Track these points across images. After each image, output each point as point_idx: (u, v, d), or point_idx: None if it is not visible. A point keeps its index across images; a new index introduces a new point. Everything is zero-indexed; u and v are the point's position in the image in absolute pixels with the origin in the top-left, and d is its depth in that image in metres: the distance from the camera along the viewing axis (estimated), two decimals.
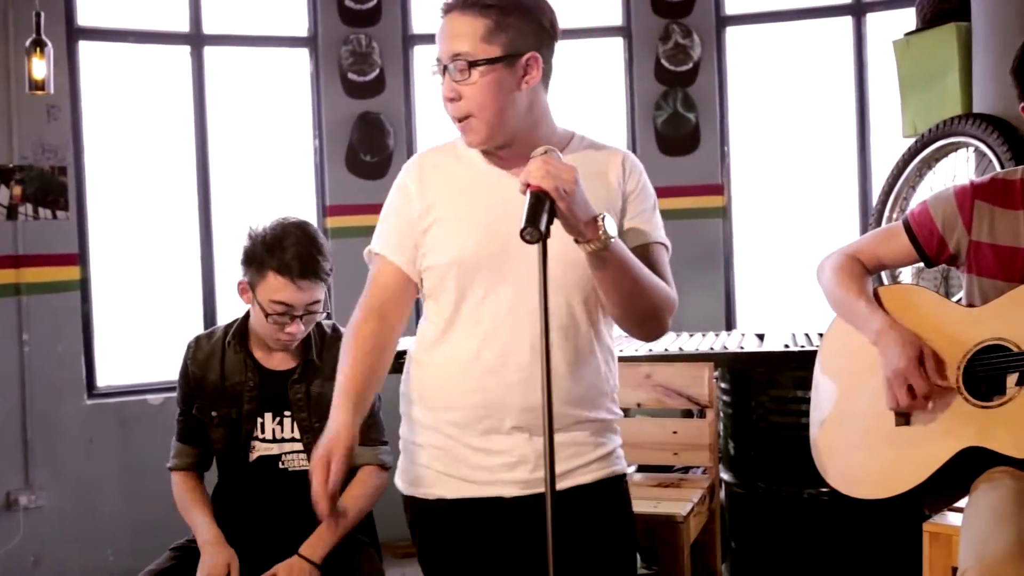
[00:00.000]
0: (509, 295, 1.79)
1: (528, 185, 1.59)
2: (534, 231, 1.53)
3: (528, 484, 1.80)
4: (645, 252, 1.84)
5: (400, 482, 1.94)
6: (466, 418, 1.82)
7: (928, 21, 4.10)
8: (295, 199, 4.86)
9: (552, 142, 1.80)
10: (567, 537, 1.76)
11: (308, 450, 2.45)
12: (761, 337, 3.52)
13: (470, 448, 1.82)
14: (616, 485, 1.91)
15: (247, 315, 2.49)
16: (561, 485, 1.77)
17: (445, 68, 1.76)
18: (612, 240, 1.65)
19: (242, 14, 4.82)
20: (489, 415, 1.80)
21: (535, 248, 1.64)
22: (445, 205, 1.83)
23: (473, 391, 1.81)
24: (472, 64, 1.73)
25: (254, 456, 2.46)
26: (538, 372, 1.71)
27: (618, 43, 4.93)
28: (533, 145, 1.76)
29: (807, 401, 2.29)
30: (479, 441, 1.81)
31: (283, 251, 2.32)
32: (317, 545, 2.36)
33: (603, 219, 1.65)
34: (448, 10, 1.77)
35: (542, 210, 1.56)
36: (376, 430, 2.53)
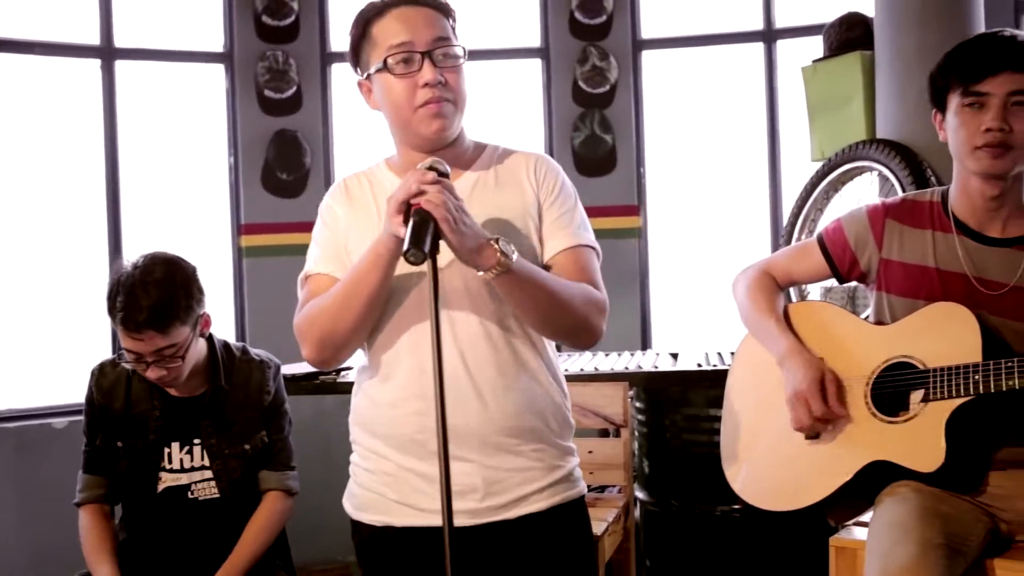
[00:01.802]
0: (423, 317, 1.73)
1: (411, 204, 1.54)
2: (418, 252, 1.47)
3: (477, 513, 1.75)
4: (567, 258, 1.79)
5: (348, 506, 1.89)
6: (404, 445, 1.76)
7: (834, 49, 4.24)
8: (209, 217, 4.78)
9: (467, 152, 1.83)
10: (523, 568, 1.77)
11: (217, 478, 2.40)
12: (675, 356, 3.57)
13: (415, 474, 1.76)
14: (573, 510, 1.85)
15: None
16: (512, 514, 1.76)
17: (427, 54, 1.72)
18: (512, 262, 1.60)
19: (156, 28, 4.73)
20: (425, 442, 1.74)
21: (454, 265, 1.63)
22: (358, 231, 1.79)
23: (405, 417, 1.75)
24: (464, 50, 1.76)
25: (161, 487, 2.40)
26: (465, 394, 1.72)
27: (536, 64, 4.98)
28: (456, 152, 1.79)
29: (719, 419, 2.33)
30: (423, 467, 1.75)
31: (120, 302, 2.24)
32: (230, 574, 2.33)
33: (498, 242, 1.60)
34: (411, 2, 1.76)
35: (426, 230, 1.50)
36: (284, 454, 2.49)
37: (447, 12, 1.79)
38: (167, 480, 2.40)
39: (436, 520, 1.71)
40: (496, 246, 1.60)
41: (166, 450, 2.40)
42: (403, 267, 1.67)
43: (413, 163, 1.76)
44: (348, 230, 1.81)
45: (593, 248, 1.84)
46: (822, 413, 2.03)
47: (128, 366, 2.34)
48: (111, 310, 2.26)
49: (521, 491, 1.77)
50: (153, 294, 2.23)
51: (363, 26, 1.78)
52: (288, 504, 2.47)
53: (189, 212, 4.80)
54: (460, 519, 1.73)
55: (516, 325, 1.77)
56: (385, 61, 1.74)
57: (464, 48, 1.77)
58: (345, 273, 1.73)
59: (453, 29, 1.79)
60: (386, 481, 1.80)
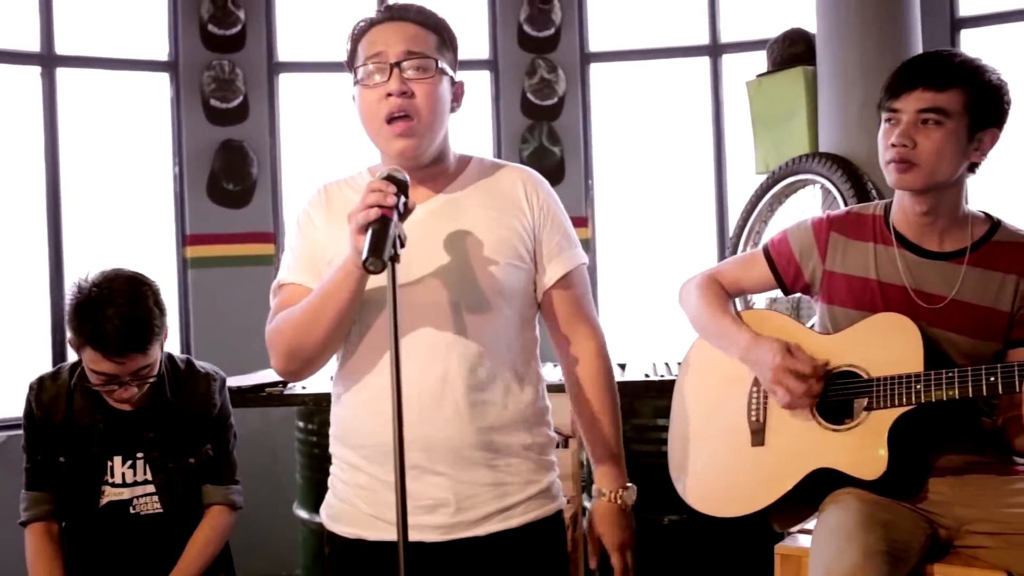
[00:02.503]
0: (409, 327, 1.70)
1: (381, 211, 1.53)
2: (376, 261, 1.47)
3: (450, 529, 1.73)
4: (565, 296, 1.83)
5: (323, 515, 1.87)
6: (377, 456, 1.73)
7: (778, 64, 4.32)
8: (154, 228, 4.71)
9: (452, 167, 1.83)
10: None
11: (160, 492, 2.36)
12: (623, 367, 3.59)
13: (388, 487, 1.71)
14: (548, 526, 1.84)
15: None
16: (483, 530, 1.74)
17: (396, 65, 1.70)
18: (630, 495, 1.93)
19: (99, 35, 4.66)
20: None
21: (435, 278, 1.64)
22: (338, 240, 1.72)
23: (380, 428, 1.70)
24: (436, 63, 1.72)
25: (103, 501, 2.35)
26: (442, 406, 1.70)
27: (485, 76, 4.99)
28: (438, 171, 1.79)
29: (667, 429, 2.35)
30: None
31: (98, 324, 2.18)
32: None
33: (620, 495, 1.94)
34: (395, 17, 1.74)
35: (385, 238, 1.50)
36: (228, 468, 2.47)
37: (436, 28, 1.76)
38: (110, 495, 2.36)
39: (408, 535, 1.70)
40: (618, 495, 1.94)
41: (109, 464, 2.36)
42: (381, 278, 1.65)
43: None
44: (327, 239, 1.77)
45: (584, 263, 1.89)
46: (811, 369, 2.03)
47: (98, 389, 2.28)
48: (81, 334, 2.20)
49: (494, 506, 1.76)
50: (128, 315, 2.19)
51: (353, 42, 1.78)
52: (232, 518, 2.44)
53: (133, 222, 4.73)
54: (431, 535, 1.73)
55: (498, 339, 1.76)
56: (357, 72, 1.74)
57: (437, 61, 1.73)
58: (317, 285, 1.72)
59: (445, 45, 1.76)
60: (361, 494, 1.78)
